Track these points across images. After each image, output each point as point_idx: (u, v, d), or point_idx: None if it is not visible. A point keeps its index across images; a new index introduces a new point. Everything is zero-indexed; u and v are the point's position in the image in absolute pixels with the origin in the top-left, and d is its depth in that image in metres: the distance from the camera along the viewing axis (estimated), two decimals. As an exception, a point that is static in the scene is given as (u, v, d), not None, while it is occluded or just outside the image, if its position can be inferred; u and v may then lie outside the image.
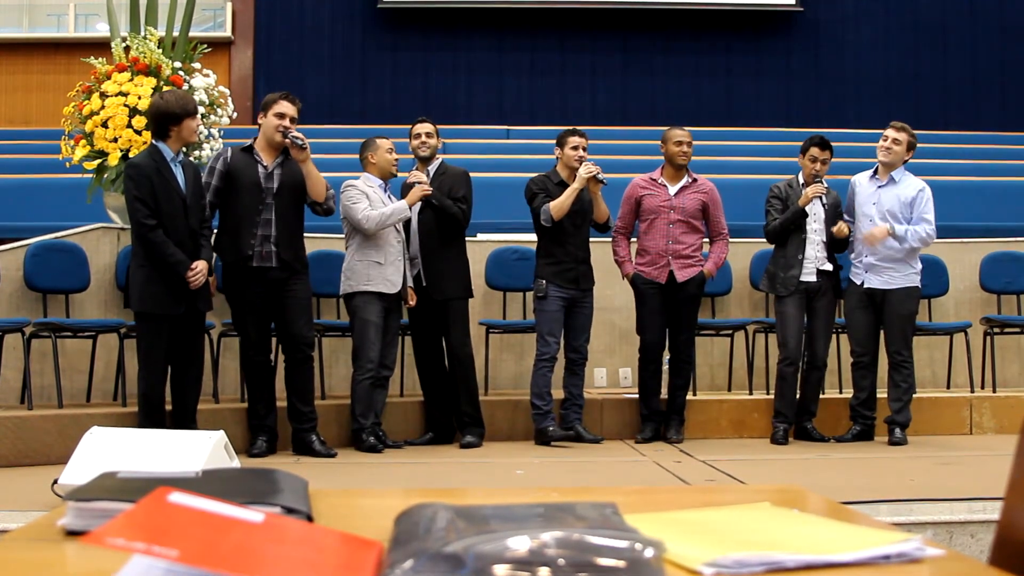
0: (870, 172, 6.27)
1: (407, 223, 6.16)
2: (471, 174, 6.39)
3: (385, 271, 5.95)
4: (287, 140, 5.56)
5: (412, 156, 6.37)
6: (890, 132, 6.19)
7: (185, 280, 5.23)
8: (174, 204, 5.25)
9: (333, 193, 5.78)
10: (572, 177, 6.16)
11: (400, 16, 14.01)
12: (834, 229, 6.17)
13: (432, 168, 6.26)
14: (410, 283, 6.16)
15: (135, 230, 5.25)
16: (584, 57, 14.17)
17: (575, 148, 6.21)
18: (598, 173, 6.07)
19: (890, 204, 6.10)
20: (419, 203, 6.07)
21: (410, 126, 6.35)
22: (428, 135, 6.23)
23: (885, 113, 8.95)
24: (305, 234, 5.91)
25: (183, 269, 5.21)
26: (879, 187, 6.16)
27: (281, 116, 5.63)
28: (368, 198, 5.96)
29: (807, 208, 6.20)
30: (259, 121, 5.80)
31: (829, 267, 6.24)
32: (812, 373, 6.32)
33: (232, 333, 6.29)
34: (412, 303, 6.21)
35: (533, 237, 6.63)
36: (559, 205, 6.08)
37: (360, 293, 5.93)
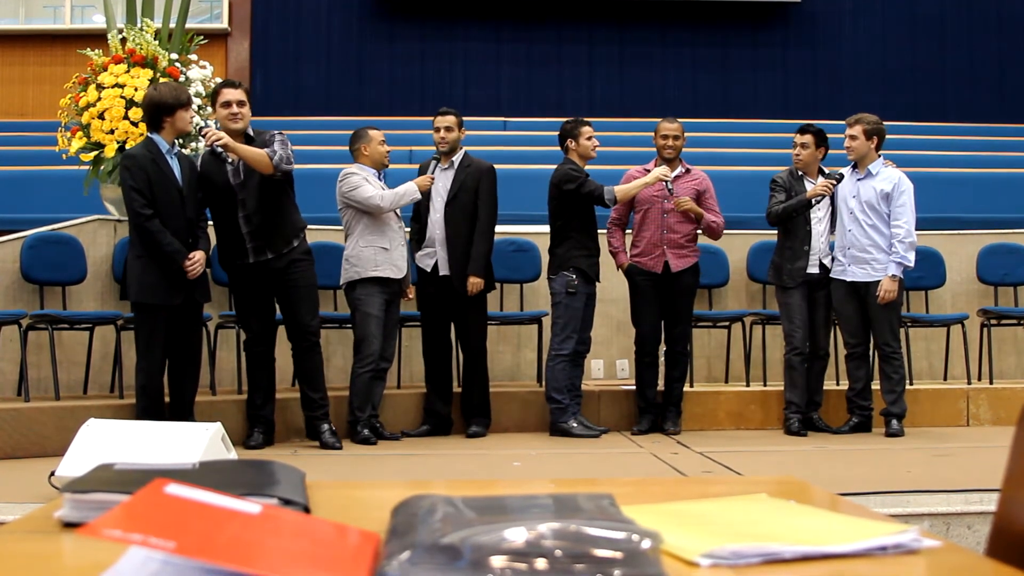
0: (851, 167, 6.28)
1: (426, 212, 6.18)
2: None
3: (391, 256, 5.97)
4: (214, 147, 5.45)
5: (420, 149, 6.36)
6: (847, 130, 6.19)
7: (182, 270, 5.23)
8: (170, 195, 5.26)
9: (280, 155, 5.48)
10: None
11: (396, 7, 13.98)
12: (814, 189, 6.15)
13: (456, 160, 6.23)
14: (413, 276, 6.19)
15: (132, 220, 5.26)
16: (581, 49, 14.15)
17: (590, 139, 6.25)
18: (667, 175, 6.14)
19: (868, 196, 6.11)
20: (450, 192, 6.12)
21: (419, 118, 6.33)
22: (447, 129, 6.18)
23: (882, 105, 8.93)
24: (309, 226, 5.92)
25: (180, 259, 5.21)
26: (858, 180, 6.18)
27: (227, 104, 5.55)
28: (369, 183, 5.97)
29: (814, 199, 6.18)
30: (214, 117, 5.78)
31: (829, 259, 6.27)
32: (815, 363, 6.33)
33: (229, 325, 6.30)
34: (411, 296, 6.26)
35: (529, 229, 6.62)
36: (625, 191, 6.14)
37: (362, 284, 5.94)
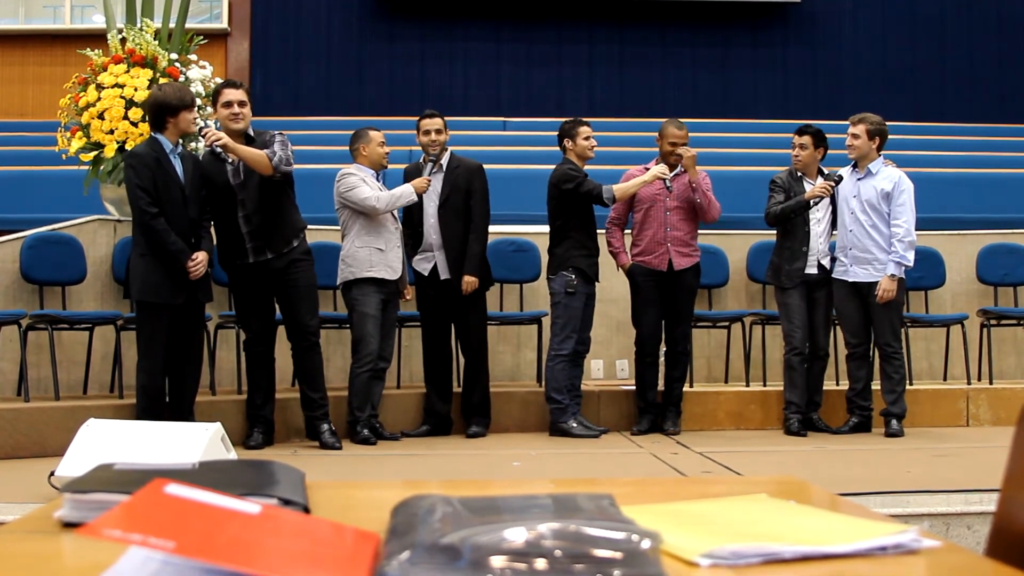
0: (851, 166, 6.28)
1: (420, 215, 6.17)
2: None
3: (387, 257, 5.96)
4: (214, 147, 5.47)
5: (420, 149, 6.34)
6: (849, 128, 6.20)
7: (185, 270, 5.24)
8: (174, 194, 5.26)
9: (280, 156, 5.49)
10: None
11: (396, 7, 13.98)
12: (813, 190, 6.16)
13: (444, 161, 6.22)
14: (410, 277, 6.18)
15: (137, 218, 5.26)
16: (581, 49, 14.15)
17: (587, 139, 6.24)
18: (666, 173, 6.14)
19: (868, 195, 6.11)
20: (441, 196, 6.12)
21: (417, 119, 6.31)
22: (438, 131, 6.18)
23: (882, 105, 8.91)
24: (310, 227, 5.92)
25: (184, 258, 5.22)
26: (858, 180, 6.18)
27: (228, 104, 5.56)
28: (366, 183, 5.97)
29: (813, 201, 6.17)
30: (215, 117, 5.78)
31: (828, 260, 6.27)
32: (815, 363, 6.33)
33: (229, 325, 6.30)
34: (409, 297, 6.26)
35: (528, 229, 6.60)
36: (624, 190, 6.13)
37: (358, 284, 5.93)
